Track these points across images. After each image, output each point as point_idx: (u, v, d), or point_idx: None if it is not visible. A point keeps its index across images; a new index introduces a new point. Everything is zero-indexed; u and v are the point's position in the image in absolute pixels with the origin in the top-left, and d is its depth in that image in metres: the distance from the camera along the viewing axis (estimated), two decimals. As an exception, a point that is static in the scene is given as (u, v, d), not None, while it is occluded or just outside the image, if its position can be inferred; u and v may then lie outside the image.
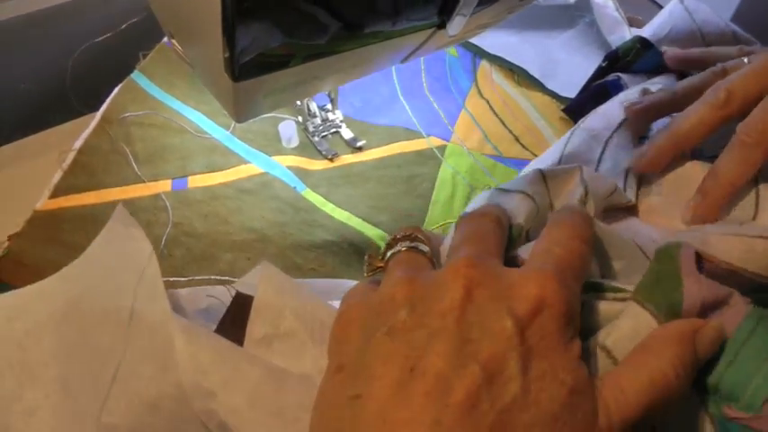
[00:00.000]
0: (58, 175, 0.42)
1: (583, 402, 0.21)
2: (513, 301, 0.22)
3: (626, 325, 0.24)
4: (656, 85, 0.44)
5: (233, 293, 0.32)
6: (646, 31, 0.46)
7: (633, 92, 0.43)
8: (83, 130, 0.46)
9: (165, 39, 0.51)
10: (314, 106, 0.44)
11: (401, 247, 0.27)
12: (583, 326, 0.24)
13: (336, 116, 0.45)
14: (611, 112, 0.42)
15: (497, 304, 0.22)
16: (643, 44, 0.46)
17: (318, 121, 0.45)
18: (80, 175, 0.43)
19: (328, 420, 0.22)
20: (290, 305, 0.30)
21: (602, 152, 0.40)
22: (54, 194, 0.42)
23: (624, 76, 0.45)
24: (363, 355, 0.22)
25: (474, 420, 0.20)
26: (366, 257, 0.30)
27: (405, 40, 0.34)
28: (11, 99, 0.54)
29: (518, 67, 0.51)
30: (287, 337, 0.30)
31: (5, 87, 0.53)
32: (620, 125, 0.41)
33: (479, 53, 0.53)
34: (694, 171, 0.39)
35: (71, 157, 0.43)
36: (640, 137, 0.43)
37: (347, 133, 0.46)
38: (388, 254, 0.27)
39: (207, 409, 0.28)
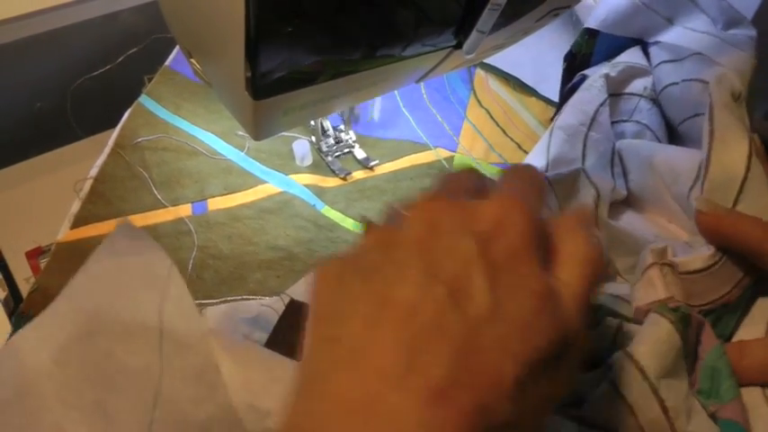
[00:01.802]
0: (76, 206, 0.42)
1: (552, 307, 0.22)
2: (477, 223, 0.23)
3: (648, 332, 0.27)
4: (618, 66, 0.45)
5: (286, 301, 0.33)
6: (589, 22, 0.47)
7: (595, 77, 0.45)
8: (86, 153, 0.46)
9: (168, 62, 0.51)
10: (328, 126, 0.46)
11: None
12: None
13: (350, 136, 0.46)
14: (581, 104, 0.43)
15: (458, 227, 0.23)
16: (590, 34, 0.47)
17: (332, 140, 0.46)
18: (99, 203, 0.43)
19: (309, 365, 0.23)
20: None
21: (584, 148, 0.43)
22: (75, 225, 0.42)
23: (588, 72, 0.47)
24: (337, 301, 0.23)
25: (443, 336, 0.21)
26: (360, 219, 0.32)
27: (423, 59, 0.36)
28: (27, 118, 0.54)
29: (512, 75, 0.54)
30: None
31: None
32: (594, 118, 0.43)
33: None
34: (653, 151, 0.40)
35: (88, 185, 0.43)
36: (613, 121, 0.45)
37: (360, 153, 0.47)
38: None
39: (263, 428, 0.29)
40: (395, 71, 0.36)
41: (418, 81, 0.39)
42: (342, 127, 0.46)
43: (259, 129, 0.35)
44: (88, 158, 0.46)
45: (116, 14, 0.53)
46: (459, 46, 0.35)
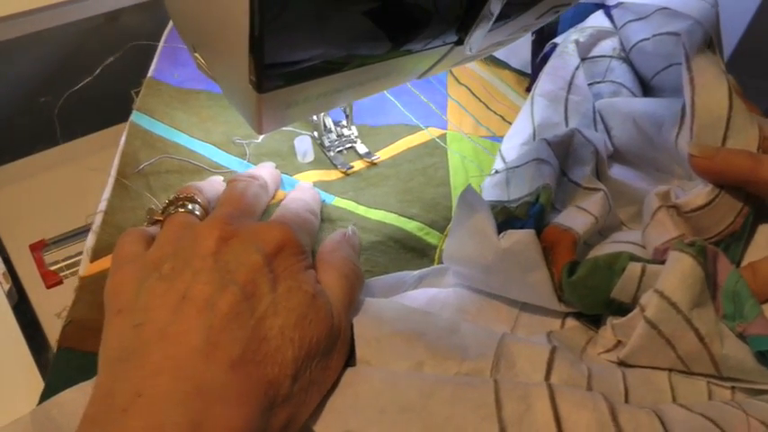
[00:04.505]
0: (91, 239, 0.42)
1: (322, 303, 0.29)
2: (261, 243, 0.30)
3: (673, 268, 0.31)
4: (586, 31, 0.49)
5: None
6: None
7: (566, 44, 0.48)
8: (92, 146, 0.50)
9: (150, 73, 0.50)
10: (329, 122, 0.47)
11: (178, 208, 0.34)
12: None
13: (352, 131, 0.48)
14: (556, 70, 0.46)
15: (248, 245, 0.29)
16: None
17: (334, 136, 0.47)
18: (114, 234, 0.42)
19: (115, 347, 0.27)
20: (388, 315, 0.33)
21: (566, 111, 0.46)
22: (94, 257, 0.42)
23: (557, 40, 0.49)
24: (139, 297, 0.28)
25: (239, 324, 0.26)
26: (147, 210, 0.38)
27: (426, 54, 0.37)
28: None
29: (481, 49, 0.56)
30: (394, 336, 0.32)
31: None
32: (571, 81, 0.46)
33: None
34: (632, 105, 0.43)
35: (99, 219, 0.43)
36: (589, 83, 0.48)
37: (362, 148, 0.48)
38: (168, 211, 0.35)
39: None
40: (398, 66, 0.37)
41: (420, 77, 0.41)
42: (344, 122, 0.48)
43: (263, 122, 0.35)
44: (91, 153, 0.51)
45: (91, 20, 0.52)
46: (459, 42, 0.36)
